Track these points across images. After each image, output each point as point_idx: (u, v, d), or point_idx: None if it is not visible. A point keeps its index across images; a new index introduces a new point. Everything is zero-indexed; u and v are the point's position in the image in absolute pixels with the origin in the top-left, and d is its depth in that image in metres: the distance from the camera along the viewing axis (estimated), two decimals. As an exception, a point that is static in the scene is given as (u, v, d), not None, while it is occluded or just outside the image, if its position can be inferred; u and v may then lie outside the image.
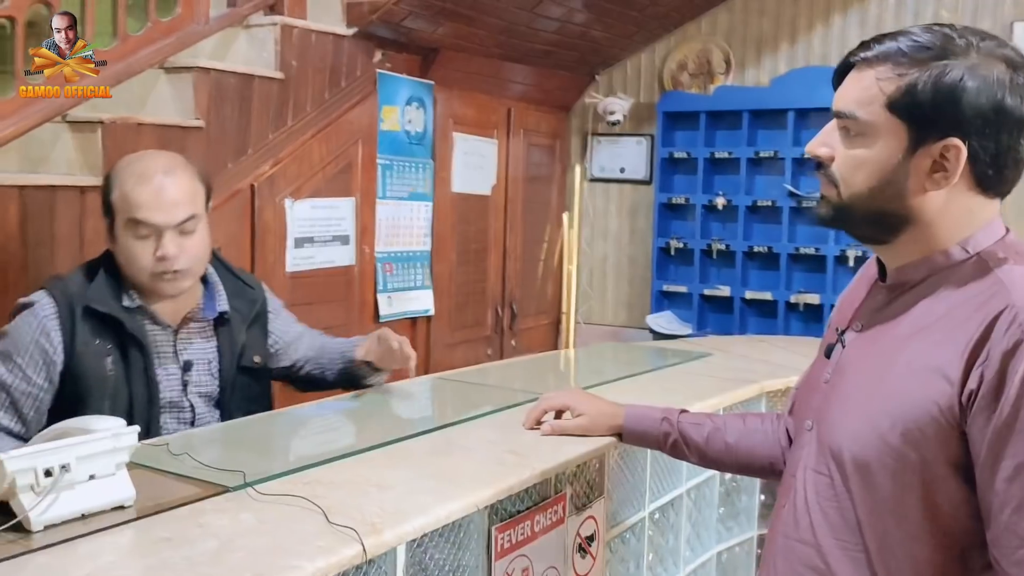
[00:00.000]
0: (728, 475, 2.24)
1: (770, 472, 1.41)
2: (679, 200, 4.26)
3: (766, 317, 4.11)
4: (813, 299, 3.94)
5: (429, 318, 3.77)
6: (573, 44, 4.13)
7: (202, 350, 1.82)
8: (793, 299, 3.98)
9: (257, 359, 1.90)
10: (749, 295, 4.10)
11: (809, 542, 1.13)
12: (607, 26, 4.06)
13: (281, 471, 1.39)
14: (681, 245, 4.26)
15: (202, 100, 2.69)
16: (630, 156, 4.49)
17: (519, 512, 1.48)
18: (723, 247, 4.16)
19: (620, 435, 1.60)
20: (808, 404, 1.20)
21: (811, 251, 3.95)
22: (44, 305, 1.69)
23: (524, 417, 1.69)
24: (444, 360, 3.82)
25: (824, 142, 1.11)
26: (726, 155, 4.14)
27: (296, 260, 3.09)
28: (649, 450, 1.83)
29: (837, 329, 1.19)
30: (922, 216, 1.06)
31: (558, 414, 1.66)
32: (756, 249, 4.08)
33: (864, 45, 1.08)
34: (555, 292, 4.64)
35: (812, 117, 3.99)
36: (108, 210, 1.73)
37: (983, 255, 1.05)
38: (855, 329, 1.16)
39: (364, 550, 1.12)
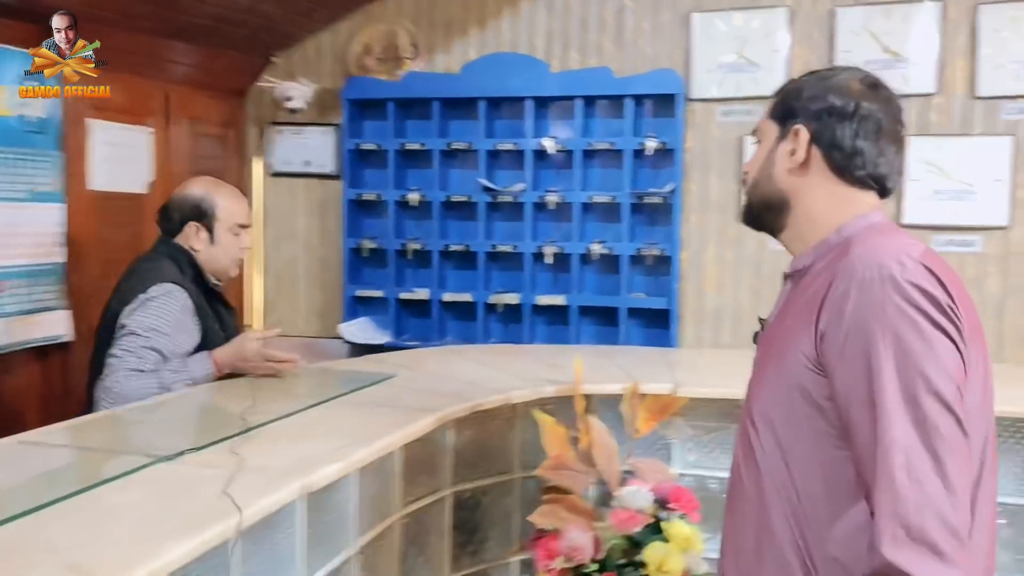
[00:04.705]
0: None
1: None
2: (370, 196, 3.89)
3: (466, 320, 3.86)
4: (513, 299, 3.74)
5: (67, 345, 3.10)
6: (242, 20, 3.62)
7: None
8: (492, 300, 3.76)
9: None
10: (447, 297, 3.82)
11: (747, 497, 1.29)
12: (280, 1, 3.59)
13: None
14: (374, 245, 3.90)
15: None
16: (315, 148, 4.05)
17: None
18: (419, 247, 3.85)
19: None
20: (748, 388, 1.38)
21: (509, 248, 3.76)
22: (179, 291, 2.25)
23: None
24: (95, 392, 3.16)
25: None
26: (418, 147, 3.83)
27: None
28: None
29: (760, 318, 1.42)
30: (795, 197, 1.32)
31: None
32: (453, 248, 3.82)
33: None
34: (237, 302, 4.09)
35: (504, 107, 3.80)
36: (206, 218, 2.38)
37: (851, 237, 1.25)
38: (773, 316, 1.37)
39: None
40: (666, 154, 3.58)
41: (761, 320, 1.40)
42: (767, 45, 3.51)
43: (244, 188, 4.12)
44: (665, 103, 3.59)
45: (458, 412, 2.01)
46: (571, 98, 3.67)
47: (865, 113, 1.28)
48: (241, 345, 2.26)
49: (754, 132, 1.40)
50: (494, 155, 3.79)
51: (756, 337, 1.40)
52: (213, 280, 2.41)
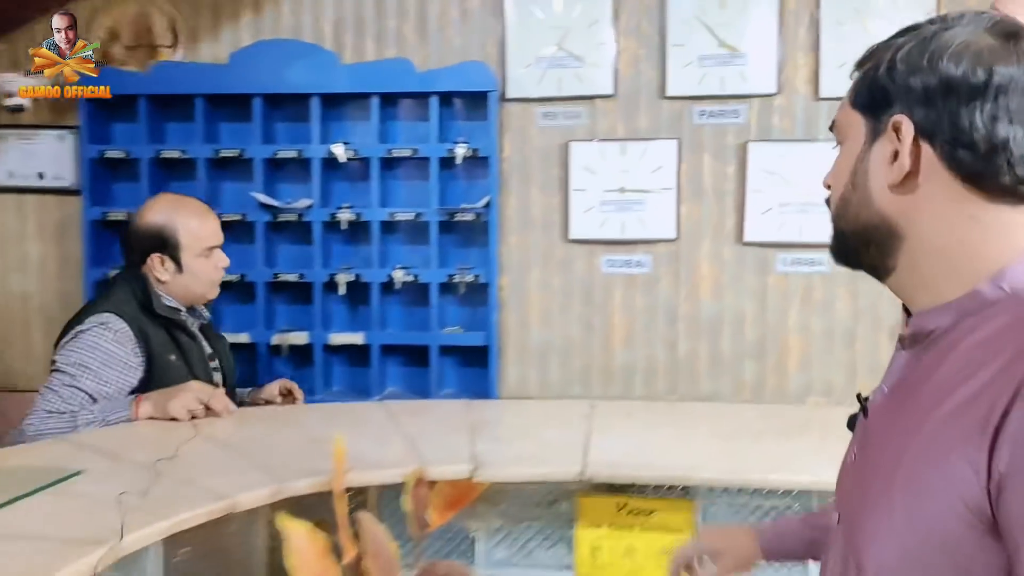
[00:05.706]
0: None
1: None
2: (119, 215, 3.12)
3: (244, 365, 3.16)
4: (300, 339, 3.09)
5: None
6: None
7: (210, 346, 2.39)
8: (275, 340, 3.09)
9: None
10: (220, 339, 3.12)
11: None
12: (-11, -31, 2.83)
13: None
14: (126, 276, 3.15)
15: None
16: (49, 156, 3.24)
17: None
18: (182, 277, 3.13)
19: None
20: (840, 490, 0.97)
21: (294, 277, 3.09)
22: (116, 321, 2.12)
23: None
24: None
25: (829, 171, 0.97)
26: (178, 154, 3.11)
27: None
28: None
29: (859, 395, 0.98)
30: (907, 225, 0.86)
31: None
32: (225, 278, 3.11)
33: None
34: (-52, 351, 3.24)
35: (285, 105, 3.15)
36: (170, 248, 2.23)
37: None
38: (881, 393, 0.92)
39: None
40: (479, 163, 3.03)
41: (861, 400, 0.97)
42: (591, 37, 3.02)
43: (-44, 207, 3.28)
44: (477, 103, 3.04)
45: (147, 537, 1.36)
46: (366, 96, 3.06)
47: (1002, 82, 0.81)
48: (170, 396, 2.06)
49: (831, 129, 0.97)
50: (274, 164, 3.13)
51: (852, 422, 1.00)
52: (167, 304, 2.23)
